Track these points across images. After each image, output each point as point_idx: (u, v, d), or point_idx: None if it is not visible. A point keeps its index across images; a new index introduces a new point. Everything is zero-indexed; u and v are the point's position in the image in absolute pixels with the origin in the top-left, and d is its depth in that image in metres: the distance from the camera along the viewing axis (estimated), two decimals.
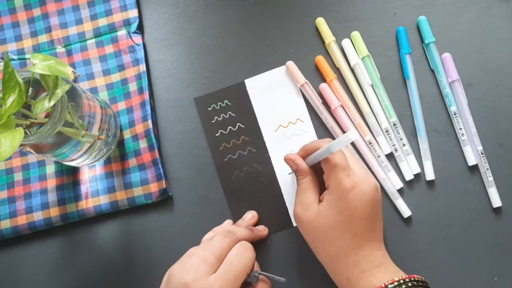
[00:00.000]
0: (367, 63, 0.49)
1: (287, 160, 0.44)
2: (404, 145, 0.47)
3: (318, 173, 0.43)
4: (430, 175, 0.47)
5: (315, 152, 0.42)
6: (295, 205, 0.43)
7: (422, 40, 0.50)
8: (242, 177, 0.49)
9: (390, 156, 0.48)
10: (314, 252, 0.42)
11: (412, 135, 0.48)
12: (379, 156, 0.47)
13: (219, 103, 0.50)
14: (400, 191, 0.47)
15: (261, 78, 0.50)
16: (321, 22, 0.50)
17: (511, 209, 0.46)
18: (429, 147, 0.47)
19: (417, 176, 0.47)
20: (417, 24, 0.50)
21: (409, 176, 0.47)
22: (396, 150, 0.47)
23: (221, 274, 0.38)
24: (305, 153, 0.44)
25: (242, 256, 0.39)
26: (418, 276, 0.39)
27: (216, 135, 0.50)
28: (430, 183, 0.47)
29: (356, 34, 0.50)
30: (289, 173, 0.48)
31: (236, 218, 0.48)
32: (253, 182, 0.49)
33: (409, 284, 0.37)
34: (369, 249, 0.39)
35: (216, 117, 0.50)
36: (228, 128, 0.50)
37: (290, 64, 0.50)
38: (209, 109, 0.50)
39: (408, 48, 0.49)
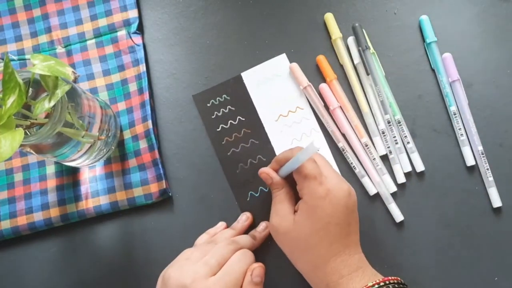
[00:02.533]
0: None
1: (261, 174, 0.44)
2: (408, 142, 0.47)
3: (292, 184, 0.43)
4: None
5: (290, 161, 0.41)
6: (271, 217, 0.43)
7: (423, 40, 0.50)
8: (246, 169, 0.49)
9: (385, 158, 0.48)
10: (293, 262, 0.42)
11: (412, 134, 0.48)
12: (374, 158, 0.47)
13: (217, 98, 0.51)
14: (400, 191, 0.47)
15: (257, 70, 0.51)
16: (329, 18, 0.50)
17: (511, 209, 0.46)
18: (429, 147, 0.47)
19: (420, 175, 0.47)
20: (418, 24, 0.50)
21: (401, 179, 0.47)
22: (390, 152, 0.47)
23: (221, 276, 0.38)
24: (278, 165, 0.44)
25: (243, 262, 0.40)
26: (393, 278, 0.39)
27: (217, 130, 0.50)
28: (430, 183, 0.47)
29: None
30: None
31: (244, 211, 0.48)
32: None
33: None
34: (347, 254, 0.40)
35: (215, 112, 0.50)
36: (229, 122, 0.50)
37: (294, 65, 0.50)
38: (208, 105, 0.51)
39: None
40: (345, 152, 0.48)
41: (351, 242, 0.40)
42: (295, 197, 0.43)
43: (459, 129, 0.47)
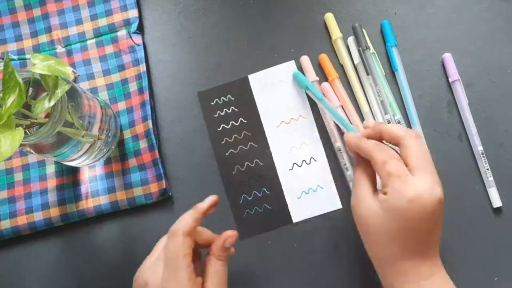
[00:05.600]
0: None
1: (348, 141, 0.41)
2: None
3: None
4: None
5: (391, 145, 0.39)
6: (352, 193, 0.40)
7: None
8: (242, 171, 0.49)
9: None
10: (365, 247, 0.40)
11: None
12: None
13: (222, 97, 0.51)
14: None
15: (265, 74, 0.51)
16: (329, 18, 0.50)
17: (511, 209, 0.46)
18: (428, 147, 0.47)
19: None
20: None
21: None
22: None
23: (164, 268, 0.37)
24: (376, 135, 0.40)
25: (168, 246, 0.38)
26: None
27: (218, 129, 0.50)
28: None
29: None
30: (290, 169, 0.48)
31: (236, 213, 0.48)
32: (254, 177, 0.49)
33: None
34: (418, 260, 0.37)
35: (218, 112, 0.50)
36: (230, 123, 0.50)
37: (305, 59, 0.50)
38: (212, 103, 0.51)
39: (394, 40, 0.49)
40: (340, 152, 0.48)
41: (428, 251, 0.38)
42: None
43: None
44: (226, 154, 0.49)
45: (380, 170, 0.38)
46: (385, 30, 0.50)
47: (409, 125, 0.48)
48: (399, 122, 0.48)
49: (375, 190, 0.39)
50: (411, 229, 0.37)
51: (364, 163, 0.40)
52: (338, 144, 0.48)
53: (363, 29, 0.49)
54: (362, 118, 0.49)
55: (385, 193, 0.37)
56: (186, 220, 0.39)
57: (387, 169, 0.37)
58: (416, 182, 0.36)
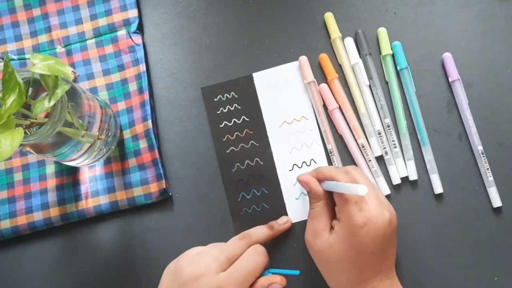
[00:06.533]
0: (387, 61, 0.49)
1: (301, 181, 0.43)
2: (395, 146, 0.47)
3: (331, 195, 0.42)
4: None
5: (333, 182, 0.40)
6: (306, 230, 0.42)
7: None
8: (242, 170, 0.49)
9: (381, 159, 0.48)
10: (323, 276, 0.42)
11: (411, 134, 0.48)
12: (370, 160, 0.47)
13: (225, 94, 0.51)
14: (398, 191, 0.47)
15: (269, 73, 0.51)
16: (329, 17, 0.50)
17: (511, 209, 0.46)
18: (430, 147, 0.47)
19: (420, 175, 0.47)
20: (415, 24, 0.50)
21: (397, 180, 0.47)
22: (386, 153, 0.47)
23: (230, 273, 0.39)
24: (320, 176, 0.42)
25: (253, 258, 0.40)
26: None
27: (220, 126, 0.50)
28: (429, 183, 0.47)
29: (382, 31, 0.49)
30: (289, 170, 0.48)
31: (233, 211, 0.48)
32: (253, 176, 0.49)
33: None
34: (377, 280, 0.39)
35: (221, 108, 0.50)
36: (233, 120, 0.50)
37: (303, 59, 0.50)
38: (215, 99, 0.50)
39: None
40: (332, 155, 0.48)
41: (384, 268, 0.40)
42: (333, 207, 0.42)
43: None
44: (227, 151, 0.49)
45: (339, 196, 0.40)
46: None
47: (411, 126, 0.48)
48: (388, 127, 0.48)
49: (331, 227, 0.41)
50: (368, 253, 0.38)
51: (325, 199, 0.42)
52: (330, 146, 0.48)
53: (365, 35, 0.49)
54: (359, 119, 0.49)
55: (339, 219, 0.40)
56: (269, 234, 0.45)
57: (345, 196, 0.39)
58: (368, 207, 0.39)
